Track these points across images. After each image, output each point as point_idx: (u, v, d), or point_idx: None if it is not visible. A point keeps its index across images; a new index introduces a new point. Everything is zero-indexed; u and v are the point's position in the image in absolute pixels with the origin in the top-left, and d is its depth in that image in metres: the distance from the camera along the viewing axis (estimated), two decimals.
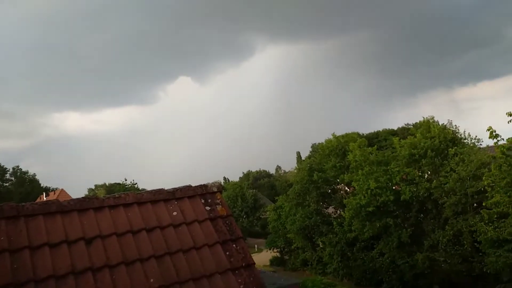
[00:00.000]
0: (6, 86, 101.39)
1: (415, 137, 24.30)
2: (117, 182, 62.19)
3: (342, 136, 30.82)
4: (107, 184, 66.20)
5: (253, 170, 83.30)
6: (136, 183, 60.37)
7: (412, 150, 23.49)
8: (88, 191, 67.61)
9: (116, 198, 5.32)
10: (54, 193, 58.28)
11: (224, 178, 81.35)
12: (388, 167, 24.22)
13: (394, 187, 24.19)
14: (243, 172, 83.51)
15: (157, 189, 5.72)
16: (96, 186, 68.05)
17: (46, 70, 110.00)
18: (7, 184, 61.73)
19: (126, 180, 60.32)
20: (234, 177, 79.76)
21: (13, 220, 4.46)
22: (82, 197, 5.37)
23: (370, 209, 22.97)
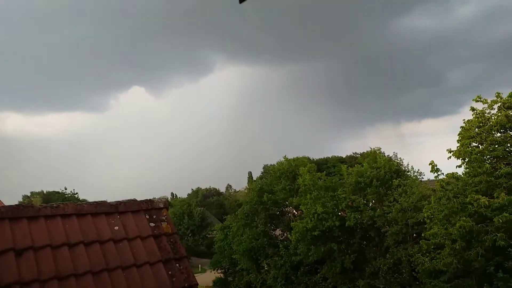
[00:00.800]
0: None
1: (362, 166, 25.16)
2: (56, 190, 58.92)
3: (293, 160, 31.33)
4: (44, 192, 62.46)
5: (203, 187, 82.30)
6: (76, 193, 57.45)
7: (359, 178, 24.25)
8: (23, 198, 63.24)
9: (54, 207, 5.01)
10: None
11: (172, 194, 79.66)
12: (335, 193, 24.82)
13: (340, 213, 24.76)
14: (192, 189, 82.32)
15: (99, 201, 5.45)
16: (32, 193, 63.90)
17: None
18: None
19: (66, 189, 57.30)
20: (183, 193, 78.39)
21: None
22: (16, 205, 4.99)
23: (316, 233, 23.27)
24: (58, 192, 56.58)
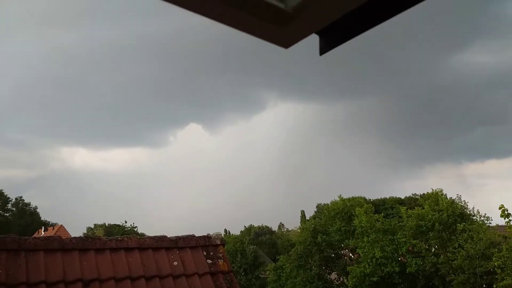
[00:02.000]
0: (18, 116, 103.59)
1: (423, 208, 23.92)
2: (117, 223, 61.50)
3: (349, 200, 30.48)
4: (106, 224, 65.36)
5: (255, 225, 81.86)
6: (136, 226, 59.63)
7: (420, 222, 23.01)
8: (87, 230, 66.56)
9: (119, 241, 5.25)
10: (53, 228, 57.50)
11: (225, 230, 79.92)
12: (395, 236, 23.66)
13: (400, 258, 23.45)
14: (245, 226, 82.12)
15: (159, 236, 5.64)
16: (95, 225, 67.12)
17: (59, 103, 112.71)
18: (7, 215, 61.28)
19: (126, 222, 59.73)
20: (235, 230, 78.35)
21: (13, 253, 4.40)
22: (85, 237, 5.32)
23: (375, 279, 22.14)
24: (118, 225, 58.96)
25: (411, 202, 47.04)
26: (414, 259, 22.09)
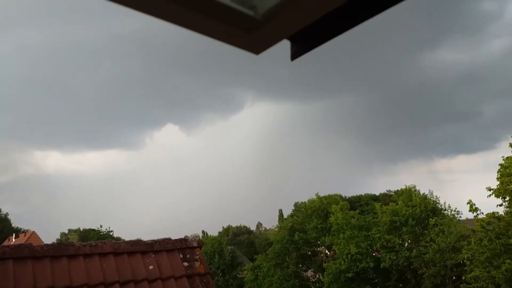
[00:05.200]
0: None
1: (397, 204, 24.47)
2: (92, 228, 60.22)
3: (325, 197, 30.84)
4: (81, 229, 63.86)
5: (233, 225, 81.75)
6: (111, 231, 58.57)
7: (394, 217, 23.54)
8: (61, 235, 64.83)
9: (93, 246, 5.17)
10: (25, 235, 55.73)
11: (203, 232, 79.46)
12: (370, 232, 24.11)
13: (374, 254, 23.92)
14: (223, 227, 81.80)
15: (135, 240, 5.57)
16: (69, 230, 65.46)
17: (30, 104, 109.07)
18: None
19: (101, 226, 58.59)
20: (213, 231, 77.88)
21: None
22: (57, 243, 5.20)
23: (350, 275, 22.49)
24: (94, 230, 57.76)
25: (386, 198, 48.03)
26: (388, 254, 22.57)
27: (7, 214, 63.32)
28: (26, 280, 4.29)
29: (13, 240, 51.67)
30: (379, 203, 27.56)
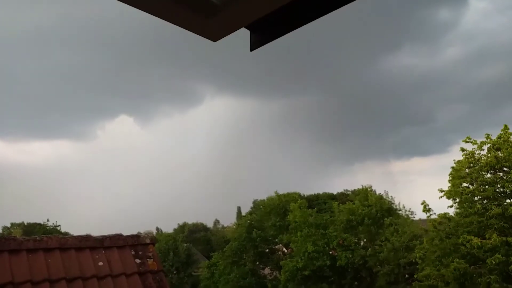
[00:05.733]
0: None
1: (354, 203, 24.93)
2: (38, 222, 57.21)
3: (284, 195, 30.96)
4: (25, 223, 60.59)
5: (190, 222, 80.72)
6: (59, 225, 55.76)
7: (350, 216, 23.96)
8: (3, 229, 61.10)
9: (37, 241, 4.76)
10: None
11: (157, 229, 77.86)
12: (327, 231, 24.40)
13: (330, 252, 24.24)
14: (179, 224, 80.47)
15: (84, 235, 5.20)
16: (12, 224, 61.88)
17: None
18: None
19: (48, 220, 55.71)
20: (168, 228, 76.40)
21: None
22: None
23: (307, 273, 22.66)
24: (39, 224, 54.87)
25: (343, 197, 49.09)
26: (344, 252, 22.93)
27: None
28: None
29: None
30: (337, 202, 28.01)
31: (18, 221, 61.93)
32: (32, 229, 53.10)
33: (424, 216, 18.61)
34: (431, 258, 16.91)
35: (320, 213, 29.22)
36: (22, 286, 4.24)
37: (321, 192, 63.09)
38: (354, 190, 35.35)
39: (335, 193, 61.50)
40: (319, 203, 53.69)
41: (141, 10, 1.08)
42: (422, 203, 17.72)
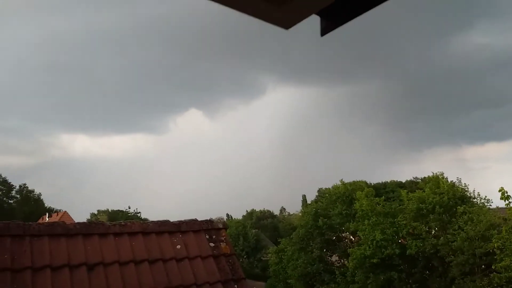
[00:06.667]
0: (16, 103, 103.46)
1: (424, 191, 24.01)
2: (120, 209, 62.06)
3: (350, 184, 30.61)
4: (109, 210, 65.90)
5: (257, 209, 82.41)
6: (139, 212, 60.27)
7: (420, 205, 23.12)
8: (91, 216, 67.09)
9: (122, 225, 5.32)
10: (57, 215, 57.97)
11: (227, 215, 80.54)
12: (395, 219, 23.82)
13: (400, 241, 23.67)
14: (247, 211, 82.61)
15: (162, 220, 5.70)
16: (99, 211, 67.67)
17: (58, 89, 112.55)
18: (11, 202, 61.71)
19: (129, 208, 60.31)
20: (237, 214, 78.83)
21: (18, 239, 4.46)
22: (88, 222, 5.38)
23: (375, 260, 22.38)
24: (122, 211, 59.47)
25: (412, 185, 47.25)
26: (414, 241, 22.28)
27: (39, 194, 65.97)
28: (60, 256, 4.46)
29: (47, 219, 53.86)
30: (405, 190, 27.10)
31: (103, 208, 67.67)
32: (116, 216, 57.68)
33: (502, 204, 17.48)
34: (511, 248, 15.95)
35: (388, 202, 28.53)
36: (111, 266, 4.73)
37: (388, 180, 61.15)
38: (424, 177, 33.86)
39: (403, 181, 59.27)
40: (387, 191, 52.14)
41: (215, 2, 1.11)
42: (500, 190, 16.61)
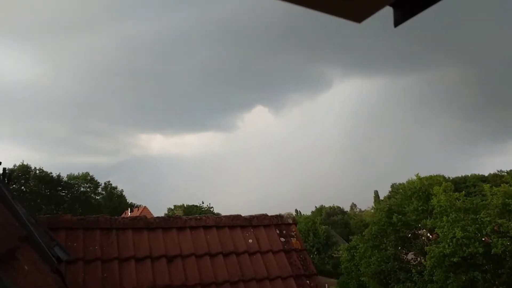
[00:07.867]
0: (100, 107, 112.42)
1: (510, 186, 22.09)
2: (195, 204, 64.93)
3: (426, 178, 29.05)
4: (185, 205, 69.16)
5: (326, 205, 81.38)
6: (212, 207, 62.64)
7: (507, 200, 21.30)
8: (168, 211, 70.96)
9: (198, 219, 5.58)
10: (138, 210, 62.13)
11: (296, 211, 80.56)
12: (478, 216, 22.18)
13: (483, 239, 22.01)
14: (316, 207, 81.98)
15: (234, 215, 5.88)
16: (175, 206, 71.32)
17: (135, 93, 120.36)
18: (98, 198, 67.19)
19: (203, 203, 62.90)
20: (306, 210, 78.64)
21: (106, 231, 4.88)
22: (167, 216, 5.72)
23: (455, 259, 21.05)
24: (196, 206, 62.21)
25: (496, 179, 43.66)
26: (500, 239, 20.60)
27: (122, 190, 71.06)
28: (143, 248, 4.81)
29: (129, 213, 57.97)
30: (488, 184, 25.11)
31: (179, 203, 71.27)
32: (191, 210, 60.48)
33: None
34: None
35: (469, 197, 26.66)
36: (188, 258, 4.99)
37: (469, 174, 57.08)
38: (510, 170, 31.12)
39: (486, 174, 54.97)
40: (467, 186, 48.78)
41: (286, 1, 1.09)
42: None
